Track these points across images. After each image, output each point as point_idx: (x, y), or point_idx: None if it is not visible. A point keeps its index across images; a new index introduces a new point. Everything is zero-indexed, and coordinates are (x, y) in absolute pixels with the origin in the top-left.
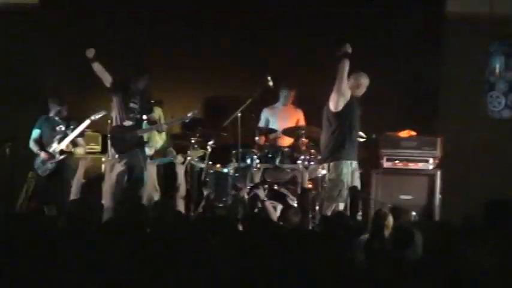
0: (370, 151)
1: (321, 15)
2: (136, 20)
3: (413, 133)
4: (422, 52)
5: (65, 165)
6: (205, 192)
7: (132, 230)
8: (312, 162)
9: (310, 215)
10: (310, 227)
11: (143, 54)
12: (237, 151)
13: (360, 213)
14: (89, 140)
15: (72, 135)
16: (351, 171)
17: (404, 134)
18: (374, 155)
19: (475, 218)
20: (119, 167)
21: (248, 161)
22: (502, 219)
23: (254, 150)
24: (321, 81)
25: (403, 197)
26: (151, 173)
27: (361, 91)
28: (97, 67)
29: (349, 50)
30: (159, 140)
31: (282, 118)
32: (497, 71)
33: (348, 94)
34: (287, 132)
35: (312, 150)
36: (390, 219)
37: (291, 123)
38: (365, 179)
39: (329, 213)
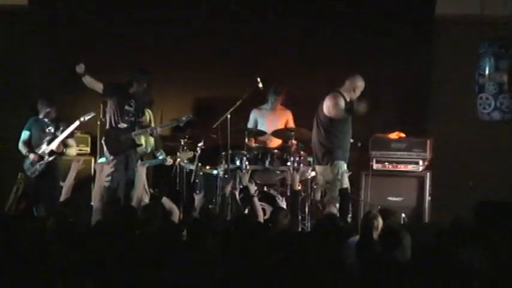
0: (360, 153)
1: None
2: (126, 21)
3: (403, 135)
4: (412, 54)
5: (54, 167)
6: (195, 195)
7: (121, 231)
8: (301, 164)
9: (300, 217)
10: (299, 229)
11: (132, 55)
12: (226, 153)
13: (350, 215)
14: (78, 142)
15: (61, 137)
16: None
17: (394, 135)
18: (364, 157)
19: (464, 219)
20: (108, 169)
21: (237, 162)
22: (492, 221)
23: (244, 151)
24: (312, 82)
25: (392, 198)
26: (141, 174)
27: (357, 94)
28: (88, 80)
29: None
30: (152, 143)
31: (270, 120)
32: (487, 73)
33: (340, 105)
34: (276, 134)
35: (302, 152)
36: (380, 221)
37: (279, 125)
38: (355, 180)
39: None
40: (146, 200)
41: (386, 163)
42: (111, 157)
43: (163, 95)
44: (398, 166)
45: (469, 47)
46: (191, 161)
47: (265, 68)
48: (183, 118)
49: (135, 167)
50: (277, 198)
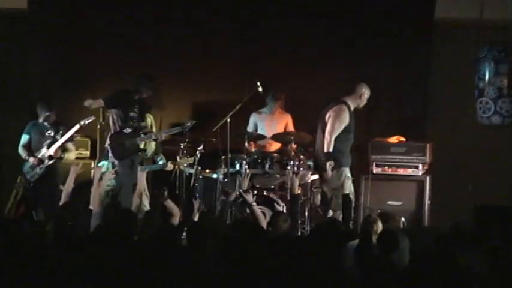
0: (360, 157)
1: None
2: (126, 21)
3: (403, 139)
4: (412, 58)
5: (53, 170)
6: (194, 199)
7: (120, 235)
8: (301, 168)
9: (300, 221)
10: (299, 233)
11: (132, 55)
12: (226, 156)
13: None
14: (78, 145)
15: (61, 141)
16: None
17: (393, 139)
18: (363, 161)
19: (464, 223)
20: (109, 175)
21: (237, 166)
22: (491, 225)
23: (243, 155)
24: (312, 83)
25: (392, 202)
26: (141, 180)
27: (363, 102)
28: (93, 106)
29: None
30: (153, 147)
31: (269, 123)
32: (486, 77)
33: (345, 121)
34: (276, 137)
35: (301, 156)
36: (379, 225)
37: (279, 129)
38: (354, 184)
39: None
40: (146, 203)
41: (386, 167)
42: (116, 162)
43: (163, 99)
44: (398, 170)
45: (469, 51)
46: (191, 165)
47: (265, 70)
48: (187, 124)
49: (137, 173)
50: (275, 204)
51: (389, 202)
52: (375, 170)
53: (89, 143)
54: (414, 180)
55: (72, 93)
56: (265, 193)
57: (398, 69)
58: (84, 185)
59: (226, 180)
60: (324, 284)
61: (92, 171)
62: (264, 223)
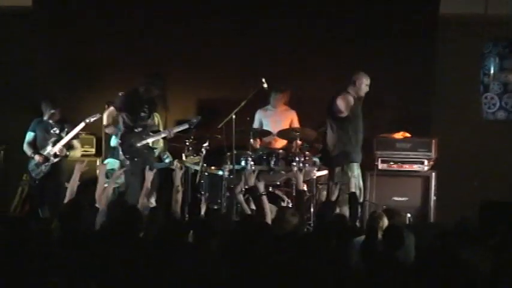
0: (365, 153)
1: (316, 16)
2: (126, 21)
3: (408, 135)
4: (416, 54)
5: (59, 168)
6: (200, 195)
7: (125, 233)
8: (306, 164)
9: (305, 217)
10: (305, 229)
11: (132, 55)
12: (231, 153)
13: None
14: (83, 143)
15: (66, 138)
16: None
17: (399, 135)
18: (369, 157)
19: (469, 219)
20: (118, 173)
21: (243, 163)
22: (497, 221)
23: (249, 152)
24: (314, 82)
25: (397, 198)
26: (149, 179)
27: (364, 90)
28: (106, 115)
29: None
30: (161, 145)
31: (274, 120)
32: (491, 72)
33: (351, 102)
34: (281, 134)
35: (307, 152)
36: (385, 221)
37: (284, 125)
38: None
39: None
40: (152, 201)
41: (391, 163)
42: (127, 161)
43: (168, 96)
44: (404, 166)
45: (473, 46)
46: (196, 162)
47: (268, 68)
48: (194, 120)
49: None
50: (282, 199)
51: (395, 198)
52: (381, 166)
53: (94, 140)
54: (420, 176)
55: (76, 91)
56: (270, 190)
57: (403, 65)
58: (89, 182)
59: (231, 176)
60: (330, 279)
61: (97, 169)
62: (269, 217)
